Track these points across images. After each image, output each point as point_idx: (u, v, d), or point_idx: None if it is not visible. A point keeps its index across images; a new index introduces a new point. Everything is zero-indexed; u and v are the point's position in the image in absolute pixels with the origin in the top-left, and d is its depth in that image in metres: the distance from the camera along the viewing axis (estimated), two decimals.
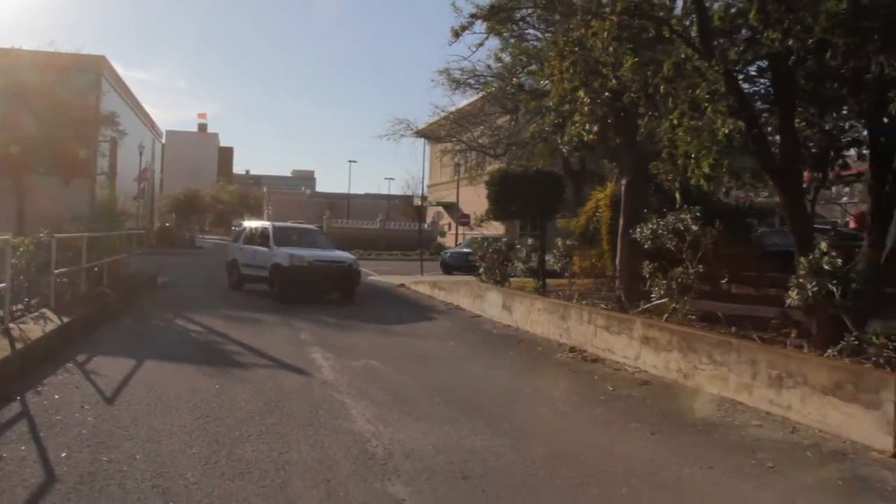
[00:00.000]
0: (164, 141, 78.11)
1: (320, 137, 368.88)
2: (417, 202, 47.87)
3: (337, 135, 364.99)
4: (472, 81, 26.06)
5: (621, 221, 14.01)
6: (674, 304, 11.43)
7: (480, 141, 30.85)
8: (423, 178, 57.28)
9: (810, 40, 7.53)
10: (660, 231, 11.61)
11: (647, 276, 11.86)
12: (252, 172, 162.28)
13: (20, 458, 5.71)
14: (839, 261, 8.09)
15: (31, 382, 8.10)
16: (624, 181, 14.14)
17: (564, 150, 17.09)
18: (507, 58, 19.57)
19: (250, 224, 23.95)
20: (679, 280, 11.24)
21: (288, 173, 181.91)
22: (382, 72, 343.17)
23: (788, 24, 7.72)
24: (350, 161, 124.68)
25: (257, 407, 7.72)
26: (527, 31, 17.53)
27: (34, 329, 9.76)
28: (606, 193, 18.77)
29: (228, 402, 7.84)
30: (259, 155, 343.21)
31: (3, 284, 9.66)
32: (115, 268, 17.28)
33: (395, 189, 73.82)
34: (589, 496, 5.72)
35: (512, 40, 17.93)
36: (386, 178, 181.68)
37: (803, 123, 9.18)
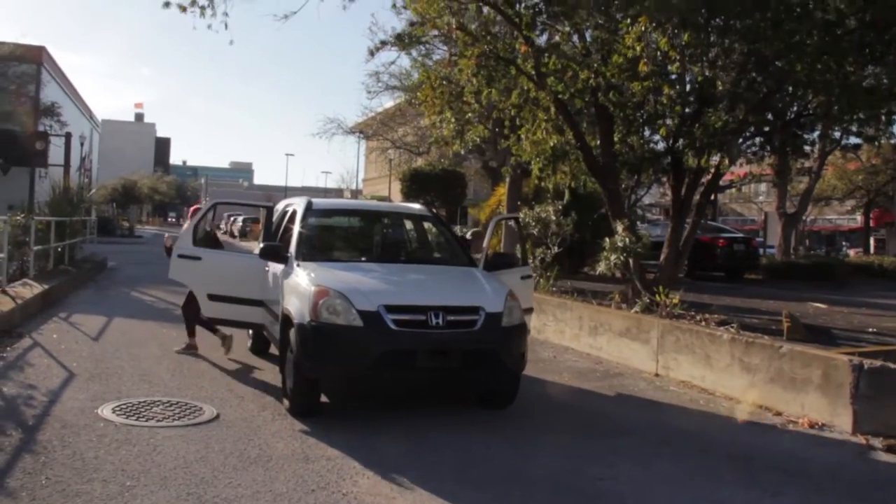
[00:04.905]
0: (100, 130, 78.93)
1: (258, 130, 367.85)
2: (347, 195, 50.40)
3: (275, 128, 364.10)
4: (398, 84, 28.98)
5: (505, 212, 17.09)
6: (539, 279, 14.51)
7: (406, 140, 33.78)
8: (357, 172, 60.00)
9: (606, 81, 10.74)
10: (527, 220, 14.68)
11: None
12: (189, 163, 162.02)
13: (46, 366, 8.41)
14: (628, 240, 11.25)
15: (32, 327, 10.72)
16: (508, 179, 17.22)
17: (462, 152, 20.08)
18: (415, 75, 22.52)
19: (287, 204, 9.62)
20: (541, 258, 14.34)
21: (226, 165, 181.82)
22: (319, 68, 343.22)
23: (596, 68, 10.85)
24: (287, 154, 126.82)
25: (207, 345, 10.44)
26: (434, 51, 20.51)
27: (25, 292, 12.26)
28: (506, 189, 21.90)
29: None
30: (196, 146, 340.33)
31: (2, 255, 12.19)
32: (72, 250, 19.64)
33: (332, 183, 76.27)
34: None
35: (420, 59, 20.87)
36: (323, 172, 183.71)
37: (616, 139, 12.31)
